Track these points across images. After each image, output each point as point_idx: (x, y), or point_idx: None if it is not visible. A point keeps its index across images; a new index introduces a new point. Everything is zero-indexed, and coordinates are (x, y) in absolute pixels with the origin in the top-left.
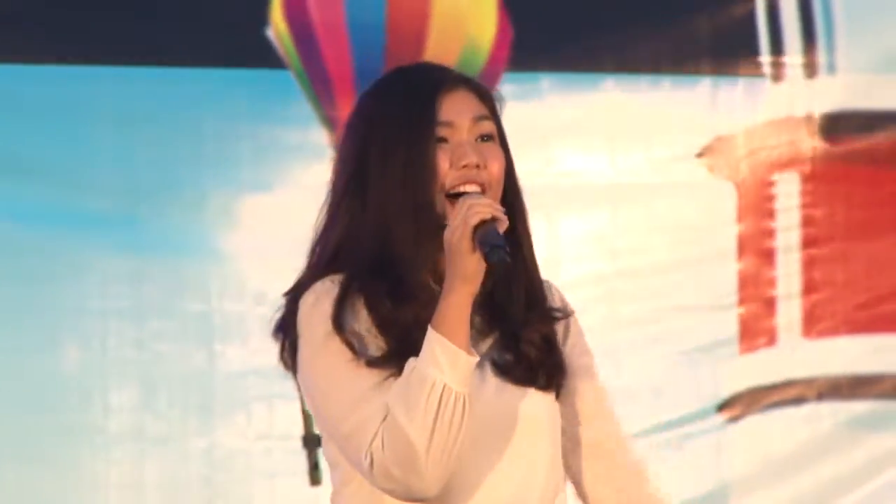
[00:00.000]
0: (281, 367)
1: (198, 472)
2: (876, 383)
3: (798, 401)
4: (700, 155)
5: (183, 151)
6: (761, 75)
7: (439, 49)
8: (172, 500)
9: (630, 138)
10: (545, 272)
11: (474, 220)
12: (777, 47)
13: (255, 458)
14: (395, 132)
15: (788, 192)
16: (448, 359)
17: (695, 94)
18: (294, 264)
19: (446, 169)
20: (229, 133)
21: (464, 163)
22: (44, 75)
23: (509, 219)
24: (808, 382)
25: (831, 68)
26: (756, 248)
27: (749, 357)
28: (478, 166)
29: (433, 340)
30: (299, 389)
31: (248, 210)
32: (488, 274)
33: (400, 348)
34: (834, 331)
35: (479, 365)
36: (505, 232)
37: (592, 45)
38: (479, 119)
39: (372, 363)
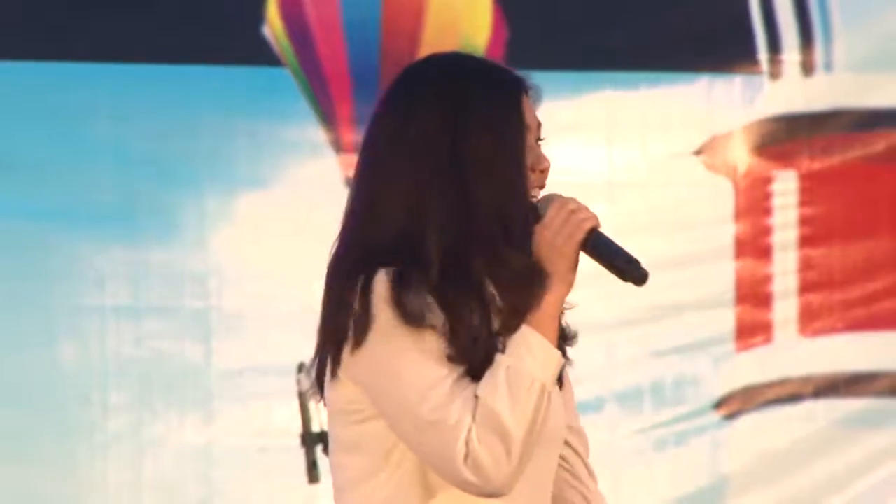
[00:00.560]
0: (279, 364)
1: (195, 470)
2: (872, 381)
3: (794, 398)
4: (697, 153)
5: (180, 148)
6: (758, 73)
7: (435, 47)
8: (170, 497)
9: (627, 136)
10: None
11: (587, 226)
12: (774, 45)
13: (252, 456)
14: (501, 133)
15: (786, 190)
16: (545, 357)
17: (692, 92)
18: (292, 261)
19: (530, 172)
20: (226, 130)
21: (543, 167)
22: (41, 72)
23: None
24: (804, 380)
25: (828, 66)
26: (753, 246)
27: (746, 354)
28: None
29: (530, 337)
30: (317, 382)
31: (245, 206)
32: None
33: (468, 351)
34: (830, 329)
35: None
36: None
37: (588, 44)
38: (540, 123)
39: (451, 358)
